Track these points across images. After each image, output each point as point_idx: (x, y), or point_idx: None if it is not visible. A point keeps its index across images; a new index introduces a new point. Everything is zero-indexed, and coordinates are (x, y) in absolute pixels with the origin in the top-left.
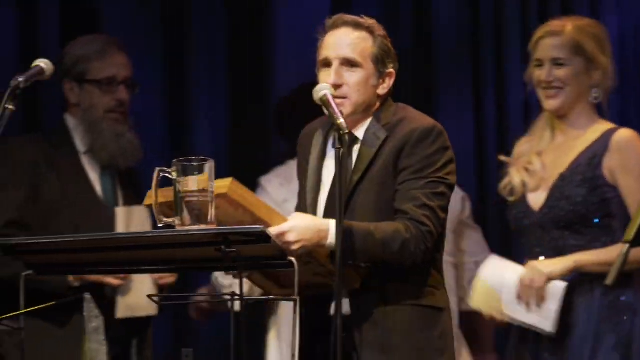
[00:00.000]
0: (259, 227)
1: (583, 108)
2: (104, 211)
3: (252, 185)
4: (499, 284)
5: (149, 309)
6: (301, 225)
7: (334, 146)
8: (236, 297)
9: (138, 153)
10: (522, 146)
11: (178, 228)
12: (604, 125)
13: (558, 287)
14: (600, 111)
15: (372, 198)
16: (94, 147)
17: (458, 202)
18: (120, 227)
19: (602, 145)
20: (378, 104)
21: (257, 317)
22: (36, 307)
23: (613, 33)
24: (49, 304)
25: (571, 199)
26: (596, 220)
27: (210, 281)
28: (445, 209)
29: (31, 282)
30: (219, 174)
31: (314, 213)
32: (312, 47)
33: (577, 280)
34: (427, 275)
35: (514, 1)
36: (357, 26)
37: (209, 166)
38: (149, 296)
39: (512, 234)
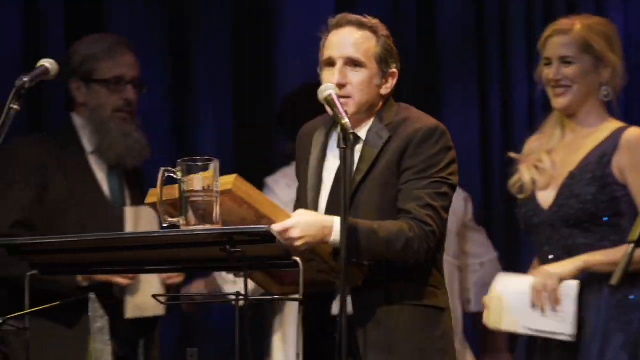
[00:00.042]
0: (264, 227)
1: (592, 106)
2: (111, 211)
3: (258, 185)
4: (512, 298)
5: (157, 309)
6: (305, 222)
7: (338, 146)
8: (240, 297)
9: (145, 153)
10: (532, 144)
11: (183, 228)
12: (614, 124)
13: (571, 286)
14: (610, 109)
15: (375, 198)
16: (102, 146)
17: (461, 204)
18: (129, 227)
19: (611, 143)
20: (380, 103)
21: (260, 316)
22: (41, 307)
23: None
24: (53, 304)
25: (581, 197)
26: (605, 219)
27: (207, 274)
28: (447, 209)
29: (40, 282)
30: (224, 174)
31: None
32: (317, 47)
33: (586, 280)
34: (429, 274)
35: None
36: (361, 26)
37: (214, 166)
38: (154, 296)
39: (515, 233)
